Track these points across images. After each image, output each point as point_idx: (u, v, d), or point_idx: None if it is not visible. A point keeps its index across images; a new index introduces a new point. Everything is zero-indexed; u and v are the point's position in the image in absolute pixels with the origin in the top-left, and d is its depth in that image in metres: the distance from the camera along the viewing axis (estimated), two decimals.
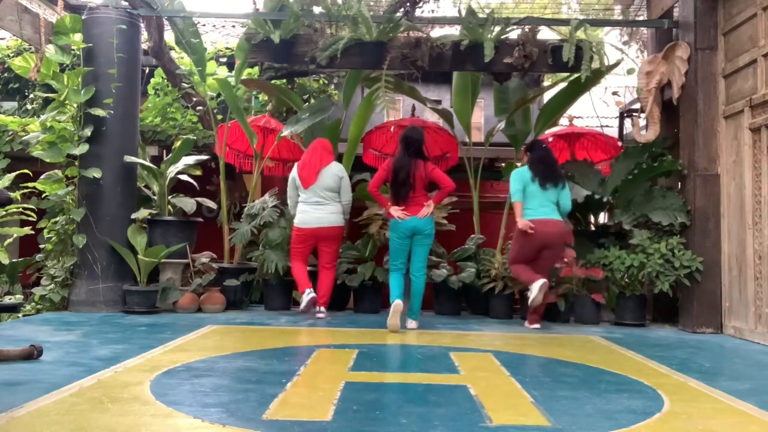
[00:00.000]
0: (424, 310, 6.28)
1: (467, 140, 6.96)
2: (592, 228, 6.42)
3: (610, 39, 9.30)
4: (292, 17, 5.60)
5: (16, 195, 5.75)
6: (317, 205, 5.41)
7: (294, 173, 5.55)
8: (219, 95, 7.20)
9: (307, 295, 5.31)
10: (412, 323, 5.01)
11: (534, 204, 5.19)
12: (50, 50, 5.75)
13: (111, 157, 5.74)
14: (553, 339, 4.81)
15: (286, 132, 6.27)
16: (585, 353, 4.15)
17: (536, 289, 4.96)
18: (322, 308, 5.45)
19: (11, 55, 8.30)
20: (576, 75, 6.04)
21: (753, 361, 4.10)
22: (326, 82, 8.88)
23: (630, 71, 7.49)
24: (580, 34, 5.62)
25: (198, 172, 6.52)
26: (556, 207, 5.22)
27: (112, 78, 5.66)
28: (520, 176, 5.26)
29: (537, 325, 5.27)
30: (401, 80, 6.70)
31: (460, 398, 2.87)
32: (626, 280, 5.55)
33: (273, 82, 7.81)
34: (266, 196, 6.29)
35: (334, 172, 5.49)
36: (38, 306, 5.62)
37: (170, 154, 6.24)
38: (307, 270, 5.52)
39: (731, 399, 2.99)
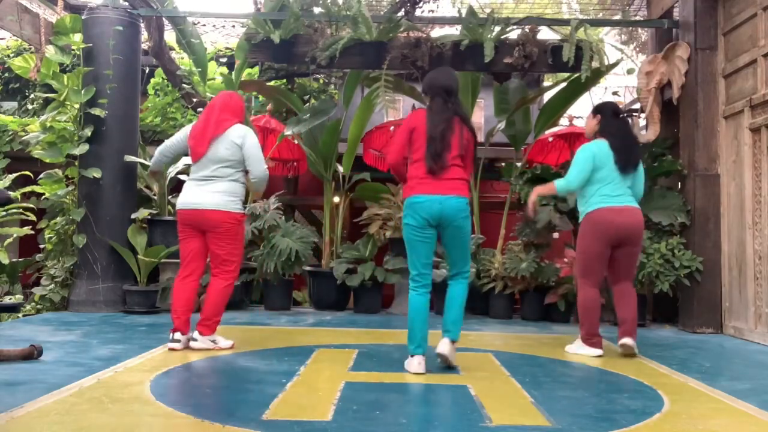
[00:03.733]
0: None
1: None
2: None
3: (612, 39, 9.31)
4: (292, 17, 5.60)
5: (16, 195, 5.75)
6: (203, 181, 3.94)
7: (185, 132, 4.10)
8: None
9: (170, 342, 3.84)
10: (444, 343, 3.46)
11: (607, 190, 4.00)
12: (50, 50, 5.75)
13: (111, 157, 5.74)
14: (553, 339, 4.81)
15: (287, 132, 6.27)
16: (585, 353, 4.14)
17: (586, 355, 3.99)
18: (197, 333, 3.87)
19: (11, 55, 8.29)
20: (576, 75, 6.04)
21: (753, 361, 4.10)
22: (326, 82, 8.88)
23: (630, 71, 7.49)
24: (580, 34, 5.62)
25: None
26: (632, 194, 4.09)
27: (111, 78, 5.65)
28: (592, 155, 4.02)
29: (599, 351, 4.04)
30: (401, 80, 6.70)
31: (460, 398, 2.87)
32: None
33: (273, 82, 7.81)
34: (272, 198, 6.29)
35: (231, 138, 3.92)
36: (38, 306, 5.62)
37: None
38: (192, 295, 3.96)
39: (731, 399, 2.99)
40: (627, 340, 3.97)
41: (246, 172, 4.04)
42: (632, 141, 4.12)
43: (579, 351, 4.04)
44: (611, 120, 4.12)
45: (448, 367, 3.43)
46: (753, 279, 4.91)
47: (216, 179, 3.91)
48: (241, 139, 3.92)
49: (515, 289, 5.87)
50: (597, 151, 4.03)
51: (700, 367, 3.78)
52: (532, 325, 5.61)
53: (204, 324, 3.88)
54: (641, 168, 4.13)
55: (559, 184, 4.12)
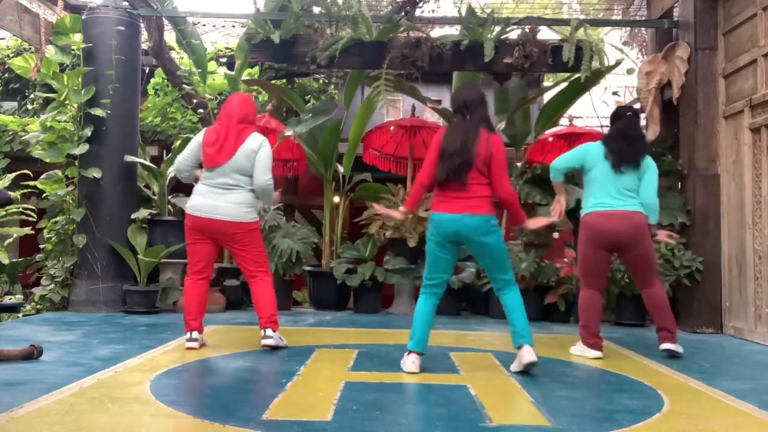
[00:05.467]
0: None
1: None
2: None
3: (612, 40, 9.31)
4: (292, 17, 5.60)
5: (16, 195, 5.75)
6: (221, 189, 3.90)
7: (199, 139, 4.01)
8: (219, 96, 7.21)
9: (188, 342, 3.89)
10: (524, 352, 3.35)
11: (600, 191, 3.91)
12: (50, 50, 5.76)
13: (111, 157, 5.74)
14: (553, 339, 4.81)
15: (288, 132, 6.26)
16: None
17: (585, 357, 3.96)
18: (270, 331, 3.95)
19: (11, 55, 8.29)
20: (576, 75, 6.04)
21: (753, 361, 4.10)
22: (326, 82, 8.88)
23: (630, 71, 7.49)
24: (580, 34, 5.63)
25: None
26: (637, 195, 3.91)
27: (112, 78, 5.65)
28: (585, 151, 4.00)
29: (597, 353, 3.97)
30: (401, 80, 6.70)
31: (460, 398, 2.87)
32: (626, 280, 5.55)
33: (273, 82, 7.80)
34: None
35: (251, 146, 3.90)
36: (38, 306, 5.62)
37: (170, 154, 6.24)
38: (204, 295, 4.02)
39: (731, 399, 2.99)
40: (666, 345, 3.95)
41: None
42: (634, 138, 3.97)
43: (583, 353, 3.99)
44: (614, 123, 4.10)
45: (531, 369, 3.38)
46: (753, 279, 4.91)
47: (235, 189, 3.90)
48: (258, 147, 3.91)
49: None
50: (591, 148, 4.01)
51: (700, 367, 3.78)
52: (532, 325, 5.50)
53: (272, 320, 3.94)
54: (650, 169, 3.94)
55: (551, 174, 4.09)
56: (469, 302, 6.27)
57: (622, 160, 3.87)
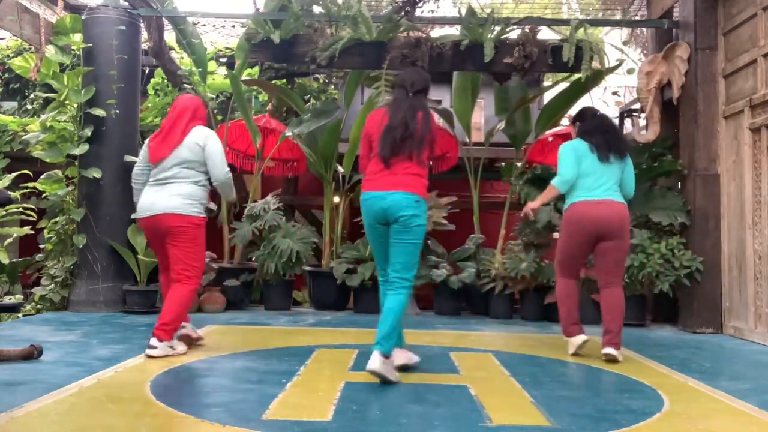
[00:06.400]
0: (425, 310, 6.32)
1: (467, 140, 6.95)
2: None
3: (612, 40, 9.31)
4: (292, 17, 5.60)
5: (16, 195, 5.75)
6: (161, 184, 3.83)
7: (146, 143, 4.00)
8: (219, 96, 7.21)
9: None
10: (375, 359, 3.06)
11: (588, 183, 3.93)
12: (50, 50, 5.76)
13: (111, 157, 5.74)
14: (553, 339, 4.81)
15: (289, 133, 6.27)
16: (585, 353, 4.14)
17: (573, 346, 3.99)
18: (154, 339, 3.62)
19: (11, 55, 8.29)
20: (576, 75, 6.04)
21: (753, 361, 4.10)
22: (326, 82, 8.88)
23: (630, 71, 7.49)
24: (580, 34, 5.63)
25: None
26: (618, 188, 4.01)
27: (113, 78, 5.65)
28: (572, 148, 4.03)
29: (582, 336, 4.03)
30: None
31: (460, 398, 2.87)
32: (626, 280, 5.55)
33: (273, 82, 7.81)
34: (269, 197, 6.28)
35: (194, 139, 3.80)
36: (38, 306, 5.62)
37: None
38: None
39: (731, 399, 2.99)
40: (609, 350, 3.83)
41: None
42: (613, 133, 4.07)
43: (572, 343, 3.99)
44: (587, 122, 4.13)
45: (384, 382, 3.09)
46: (753, 279, 4.91)
47: (175, 181, 3.79)
48: (203, 140, 3.81)
49: (515, 289, 5.87)
50: (576, 144, 4.06)
51: (700, 367, 3.78)
52: (532, 325, 5.61)
53: (164, 329, 3.65)
54: (630, 163, 4.05)
55: (555, 182, 4.03)
56: (469, 302, 6.27)
57: (610, 150, 3.95)
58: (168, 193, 3.76)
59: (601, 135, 4.01)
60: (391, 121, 3.26)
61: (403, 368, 3.28)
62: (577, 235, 3.95)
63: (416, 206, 3.21)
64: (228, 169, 3.90)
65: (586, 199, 3.91)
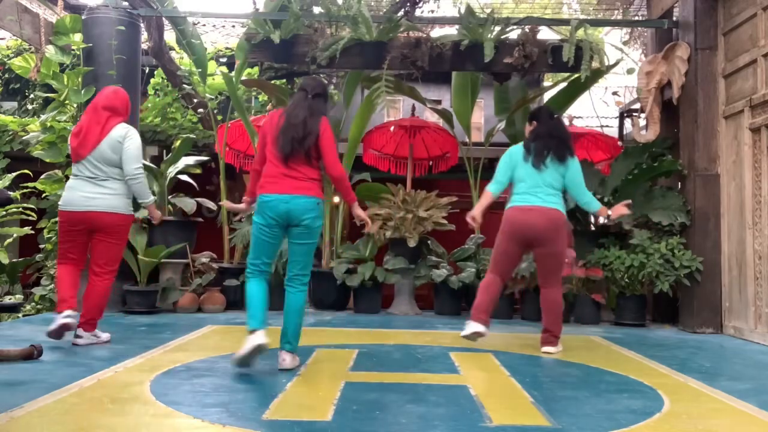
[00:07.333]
0: (425, 310, 6.32)
1: (467, 140, 6.96)
2: (592, 228, 6.43)
3: (612, 40, 9.32)
4: (292, 17, 5.60)
5: (16, 195, 5.75)
6: (93, 181, 3.92)
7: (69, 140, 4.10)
8: (219, 96, 7.20)
9: (62, 318, 3.79)
10: (285, 357, 3.34)
11: (521, 188, 4.04)
12: (50, 50, 5.76)
13: None
14: None
15: None
16: (585, 353, 4.14)
17: (468, 330, 3.99)
18: (81, 331, 3.91)
19: (11, 55, 8.30)
20: (576, 75, 6.04)
21: (753, 361, 4.10)
22: (326, 82, 8.88)
23: (630, 71, 7.49)
24: (580, 34, 5.63)
25: (198, 171, 6.52)
26: (560, 193, 4.04)
27: (112, 78, 5.65)
28: (508, 157, 4.15)
29: (482, 328, 4.02)
30: (401, 80, 6.70)
31: (460, 398, 2.87)
32: (626, 280, 5.55)
33: (273, 82, 7.81)
34: None
35: (116, 137, 3.92)
36: (38, 306, 5.62)
37: (170, 154, 6.24)
38: (77, 278, 4.00)
39: (731, 399, 2.99)
40: (546, 349, 4.06)
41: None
42: (559, 138, 4.06)
43: (466, 328, 4.00)
44: (541, 125, 4.14)
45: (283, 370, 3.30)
46: (753, 279, 4.91)
47: (109, 179, 3.93)
48: (122, 138, 3.93)
49: (515, 289, 5.87)
50: (513, 151, 4.17)
51: (700, 367, 3.78)
52: (532, 325, 5.60)
53: (89, 323, 3.95)
54: (573, 168, 4.03)
55: (489, 187, 4.16)
56: (469, 302, 6.25)
57: (542, 156, 4.00)
58: (105, 192, 3.91)
59: (547, 139, 4.04)
60: (290, 119, 3.37)
61: (259, 349, 3.25)
62: (507, 238, 4.05)
63: (317, 209, 3.37)
64: (139, 165, 3.99)
65: (518, 205, 4.02)
